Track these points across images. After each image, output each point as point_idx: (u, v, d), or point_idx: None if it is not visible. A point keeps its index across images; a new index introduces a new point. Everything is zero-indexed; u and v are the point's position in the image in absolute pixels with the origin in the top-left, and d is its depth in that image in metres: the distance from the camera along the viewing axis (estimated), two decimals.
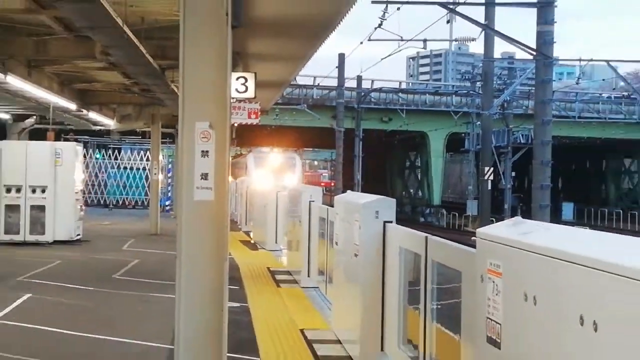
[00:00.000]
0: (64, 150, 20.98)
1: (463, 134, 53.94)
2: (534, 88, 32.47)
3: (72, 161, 21.03)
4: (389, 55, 36.10)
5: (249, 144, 46.17)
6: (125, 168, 43.74)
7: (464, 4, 30.97)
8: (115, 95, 26.19)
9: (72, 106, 24.33)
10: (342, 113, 49.22)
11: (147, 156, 37.55)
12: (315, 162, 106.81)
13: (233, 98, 14.78)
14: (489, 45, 38.89)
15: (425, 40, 37.23)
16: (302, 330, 9.88)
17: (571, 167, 66.23)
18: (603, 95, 64.92)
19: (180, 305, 5.69)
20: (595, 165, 69.39)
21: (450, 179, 62.86)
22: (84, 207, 22.65)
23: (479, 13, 36.27)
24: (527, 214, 28.21)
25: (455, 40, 43.76)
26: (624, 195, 65.49)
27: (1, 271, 14.75)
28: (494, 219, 28.00)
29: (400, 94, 59.57)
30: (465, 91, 55.55)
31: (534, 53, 28.29)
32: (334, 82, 51.83)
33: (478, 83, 49.02)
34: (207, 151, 5.72)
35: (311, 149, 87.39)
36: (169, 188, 35.10)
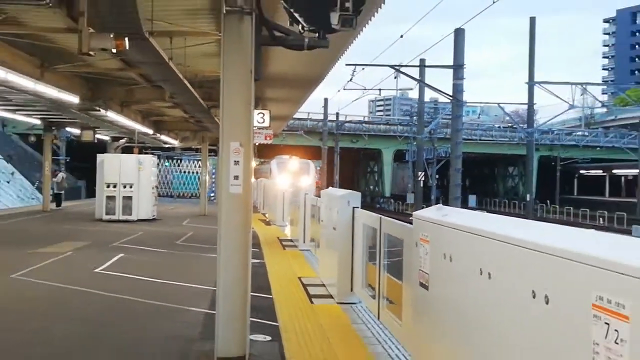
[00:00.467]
0: (144, 160, 20.95)
1: (405, 150, 54.26)
2: (450, 120, 32.46)
3: (149, 167, 20.99)
4: (357, 99, 37.23)
5: (265, 156, 45.80)
6: (184, 172, 43.75)
7: (406, 66, 30.98)
8: (178, 124, 26.17)
9: (150, 131, 24.30)
10: (326, 137, 49.62)
11: (199, 164, 37.51)
12: None
13: (255, 126, 14.75)
14: (421, 92, 38.96)
15: (380, 90, 37.62)
16: (299, 278, 9.88)
17: (474, 172, 66.33)
18: (495, 125, 65.23)
19: (220, 261, 5.67)
20: (490, 171, 69.68)
21: (396, 180, 62.84)
22: (157, 197, 22.60)
23: (415, 72, 36.77)
24: (445, 203, 28.26)
25: (400, 89, 43.88)
26: (508, 190, 65.86)
27: (104, 239, 14.72)
28: (424, 206, 28.04)
29: (364, 124, 60.48)
30: (406, 123, 55.76)
31: (451, 98, 28.34)
32: (320, 116, 52.00)
33: (414, 117, 49.14)
34: (238, 161, 5.71)
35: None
36: (212, 185, 34.93)
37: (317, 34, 5.34)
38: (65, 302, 7.94)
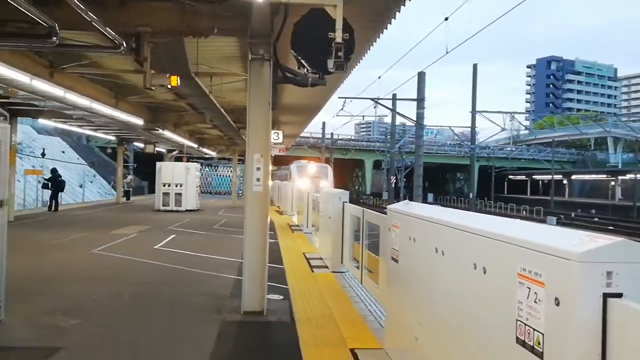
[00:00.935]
0: (190, 166, 20.85)
1: (381, 160, 54.10)
2: (414, 139, 32.40)
3: (194, 171, 20.87)
4: (346, 123, 36.79)
5: (279, 163, 45.53)
6: (220, 175, 43.73)
7: (382, 99, 30.94)
8: (215, 140, 26.14)
9: (195, 145, 24.27)
10: (324, 150, 49.57)
11: (230, 170, 37.50)
12: None
13: (272, 142, 14.79)
14: (393, 118, 38.87)
15: (363, 116, 37.99)
16: (304, 253, 9.88)
17: (432, 176, 66.20)
18: (447, 142, 65.24)
19: (246, 240, 5.67)
20: (443, 176, 69.46)
21: (374, 182, 62.73)
22: (200, 193, 22.56)
23: (389, 103, 36.76)
24: (411, 199, 28.18)
25: (378, 116, 44.25)
26: (456, 190, 65.69)
27: (161, 224, 14.69)
28: (395, 201, 28.05)
29: (351, 141, 60.42)
30: (382, 140, 55.68)
31: (415, 122, 28.32)
32: (320, 135, 51.97)
33: (388, 136, 49.11)
34: (259, 168, 5.70)
35: None
36: (240, 185, 34.91)
37: (317, 75, 5.34)
38: (132, 269, 7.94)
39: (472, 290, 2.63)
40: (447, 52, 16.93)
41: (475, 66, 40.75)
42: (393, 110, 33.97)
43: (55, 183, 18.76)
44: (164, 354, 4.31)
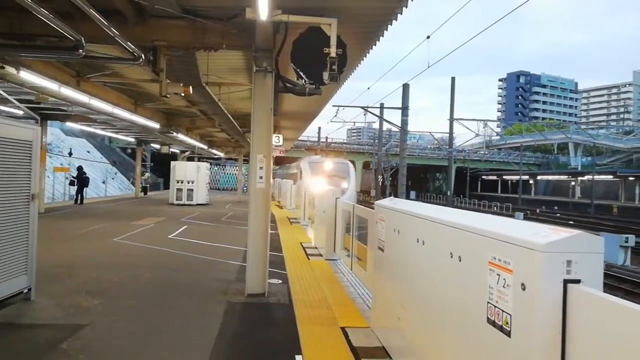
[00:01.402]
0: (201, 165, 20.73)
1: (370, 161, 54.15)
2: (399, 142, 32.44)
3: (204, 170, 20.74)
4: (339, 128, 36.89)
5: (280, 163, 45.24)
6: (227, 173, 43.61)
7: (371, 107, 30.93)
8: (223, 142, 26.01)
9: (205, 147, 24.15)
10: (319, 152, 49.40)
11: (236, 168, 37.42)
12: None
13: (273, 145, 14.77)
14: (380, 125, 38.87)
15: (354, 122, 39.09)
16: (301, 243, 9.87)
17: (414, 176, 66.26)
18: (428, 146, 65.39)
19: (250, 230, 5.65)
20: (424, 175, 69.61)
21: (364, 180, 62.81)
22: (209, 189, 22.49)
23: (377, 111, 36.70)
24: (395, 196, 28.21)
25: (367, 122, 44.24)
26: (436, 188, 65.78)
27: (175, 216, 14.64)
28: (382, 197, 28.07)
29: (344, 144, 60.23)
30: (371, 144, 55.70)
31: (399, 128, 28.34)
32: (316, 139, 51.86)
33: (376, 140, 49.16)
34: (262, 167, 5.69)
35: None
36: (245, 182, 34.82)
37: (314, 86, 5.33)
38: (149, 256, 7.91)
39: (449, 276, 2.63)
40: (428, 66, 16.94)
41: (453, 79, 40.71)
42: (380, 118, 33.99)
43: (80, 179, 18.73)
44: (177, 329, 4.31)
